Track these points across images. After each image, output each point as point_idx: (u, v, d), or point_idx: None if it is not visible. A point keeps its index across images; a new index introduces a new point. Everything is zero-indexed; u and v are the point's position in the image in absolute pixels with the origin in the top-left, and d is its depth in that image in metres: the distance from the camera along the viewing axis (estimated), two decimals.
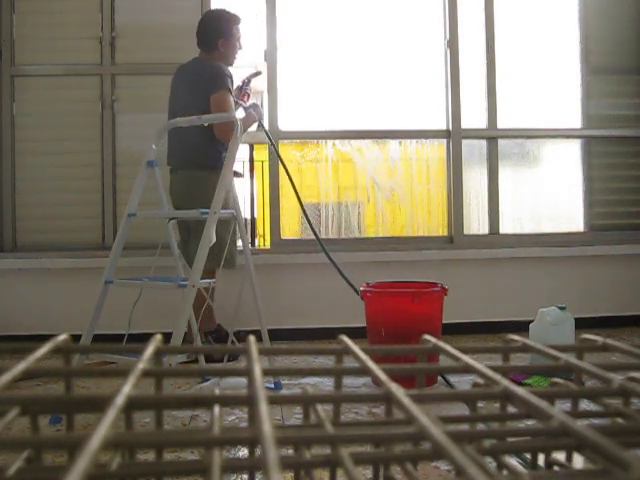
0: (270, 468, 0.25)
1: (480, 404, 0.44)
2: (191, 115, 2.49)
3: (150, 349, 0.42)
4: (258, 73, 3.33)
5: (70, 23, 3.55)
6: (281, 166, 3.26)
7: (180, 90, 3.00)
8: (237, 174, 3.46)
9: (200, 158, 2.92)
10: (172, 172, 3.03)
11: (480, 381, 0.41)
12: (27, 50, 3.56)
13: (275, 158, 3.40)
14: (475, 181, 3.81)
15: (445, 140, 3.78)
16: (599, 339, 0.48)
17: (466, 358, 0.42)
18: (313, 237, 3.11)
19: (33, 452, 0.38)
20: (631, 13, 3.87)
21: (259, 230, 5.53)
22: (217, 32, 3.02)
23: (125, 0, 3.55)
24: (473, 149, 3.80)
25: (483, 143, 3.80)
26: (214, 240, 2.18)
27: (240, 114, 3.02)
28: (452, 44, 3.72)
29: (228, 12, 3.08)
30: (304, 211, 3.17)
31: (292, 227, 3.73)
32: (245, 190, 4.64)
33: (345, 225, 3.77)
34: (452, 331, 3.19)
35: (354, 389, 2.24)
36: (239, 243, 3.00)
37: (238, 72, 3.24)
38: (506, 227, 3.80)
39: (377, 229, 3.81)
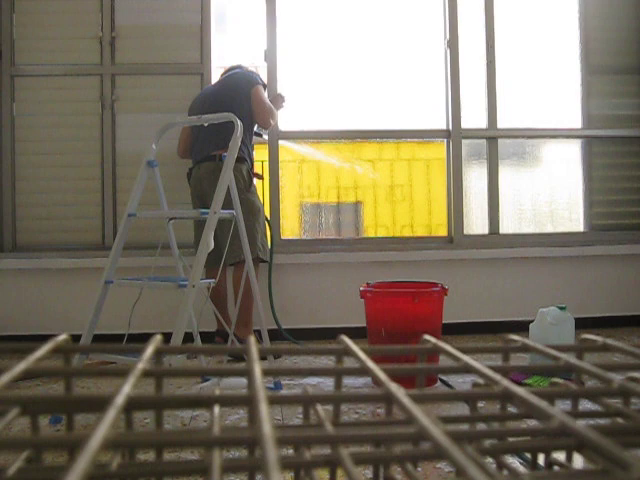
0: (270, 468, 0.25)
1: (480, 404, 0.44)
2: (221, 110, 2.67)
3: (150, 349, 0.42)
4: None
5: (70, 23, 3.55)
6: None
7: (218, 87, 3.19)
8: (257, 176, 3.40)
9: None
10: None
11: (480, 381, 0.41)
12: (27, 50, 3.56)
13: (275, 158, 3.40)
14: (475, 181, 3.81)
15: (445, 140, 3.78)
16: (599, 339, 0.48)
17: (466, 358, 0.42)
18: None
19: (33, 452, 0.38)
20: (631, 13, 3.87)
21: None
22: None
23: (125, 0, 3.55)
24: (473, 149, 3.80)
25: (483, 143, 3.80)
26: (212, 246, 2.16)
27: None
28: (452, 44, 3.72)
29: None
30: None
31: (292, 227, 3.73)
32: None
33: (345, 225, 3.77)
34: (452, 331, 3.19)
35: (354, 389, 2.24)
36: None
37: None
38: (506, 227, 3.80)
39: (377, 229, 3.81)
